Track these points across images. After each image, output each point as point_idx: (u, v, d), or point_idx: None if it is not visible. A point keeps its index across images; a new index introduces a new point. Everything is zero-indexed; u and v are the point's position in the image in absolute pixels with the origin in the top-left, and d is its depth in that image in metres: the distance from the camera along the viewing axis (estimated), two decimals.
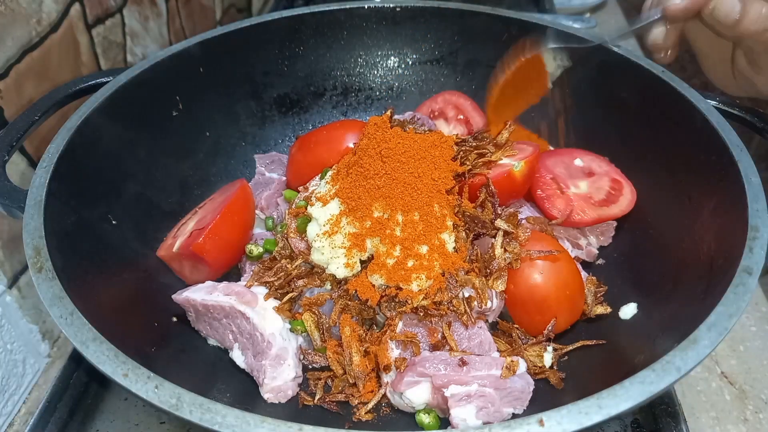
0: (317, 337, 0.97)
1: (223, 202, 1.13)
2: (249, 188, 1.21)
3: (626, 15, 2.49)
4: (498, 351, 0.97)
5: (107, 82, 1.12)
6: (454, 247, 0.97)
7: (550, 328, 0.98)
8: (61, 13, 1.24)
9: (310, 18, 1.40)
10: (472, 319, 0.93)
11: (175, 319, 1.04)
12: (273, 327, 0.95)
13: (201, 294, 0.98)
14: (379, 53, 1.49)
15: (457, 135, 1.14)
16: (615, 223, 1.16)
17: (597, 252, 1.17)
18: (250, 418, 0.62)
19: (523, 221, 1.04)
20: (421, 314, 0.93)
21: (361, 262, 0.97)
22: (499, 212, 1.01)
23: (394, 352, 0.93)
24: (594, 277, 1.08)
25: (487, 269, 0.98)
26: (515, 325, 1.02)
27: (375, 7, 1.42)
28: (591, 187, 1.17)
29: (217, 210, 1.10)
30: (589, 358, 0.98)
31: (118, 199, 1.07)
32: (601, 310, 1.03)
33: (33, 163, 1.16)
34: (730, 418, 1.09)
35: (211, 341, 1.04)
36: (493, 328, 1.03)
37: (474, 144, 1.12)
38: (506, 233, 1.00)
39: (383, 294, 0.94)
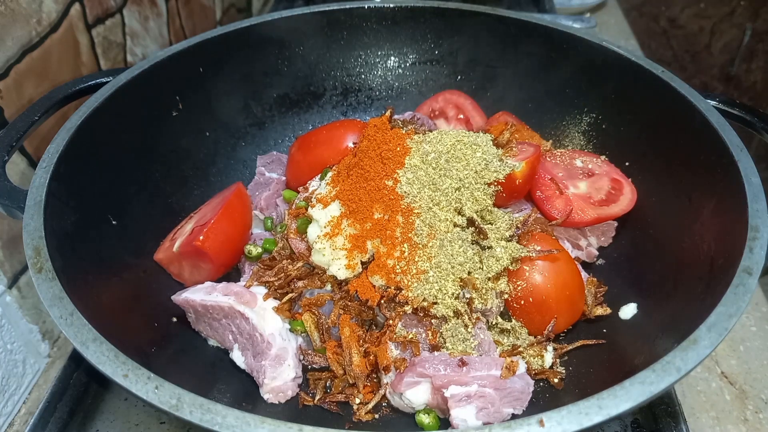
0: (317, 337, 0.97)
1: (221, 201, 1.13)
2: (245, 190, 1.22)
3: (626, 15, 2.49)
4: (497, 351, 0.97)
5: (107, 82, 1.12)
6: None
7: (550, 328, 0.98)
8: (61, 13, 1.24)
9: (310, 18, 1.40)
10: (472, 320, 0.93)
11: (175, 319, 1.04)
12: (272, 327, 0.95)
13: (200, 294, 0.98)
14: (379, 53, 1.49)
15: None
16: (616, 224, 1.17)
17: (597, 253, 1.17)
18: (250, 418, 0.62)
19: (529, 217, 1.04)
20: (421, 315, 0.93)
21: (362, 262, 0.97)
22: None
23: (393, 352, 0.93)
24: (594, 278, 1.08)
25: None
26: (515, 325, 1.02)
27: (375, 7, 1.42)
28: (590, 187, 1.17)
29: (217, 208, 1.10)
30: (589, 358, 0.98)
31: (118, 199, 1.07)
32: (601, 311, 1.04)
33: (33, 163, 1.16)
34: (730, 418, 1.09)
35: (211, 342, 1.04)
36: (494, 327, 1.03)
37: None
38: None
39: (383, 294, 0.94)
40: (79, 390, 1.04)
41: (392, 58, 1.50)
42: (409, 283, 0.92)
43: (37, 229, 0.84)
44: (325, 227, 0.99)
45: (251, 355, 0.96)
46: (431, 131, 1.13)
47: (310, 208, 1.04)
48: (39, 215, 0.85)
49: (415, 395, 0.89)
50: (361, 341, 0.94)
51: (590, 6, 2.37)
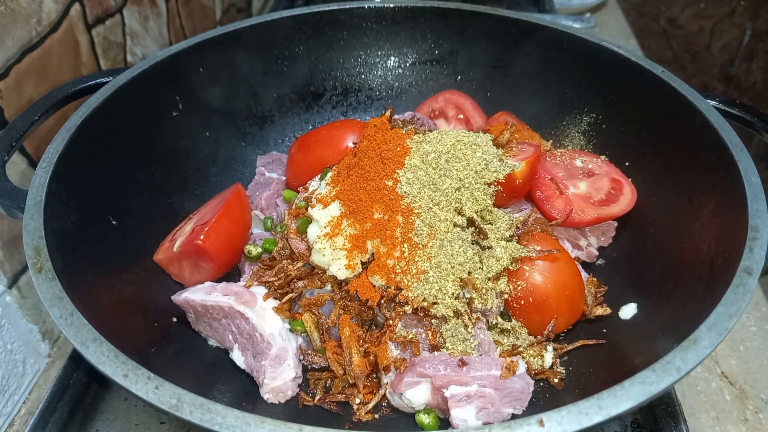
0: (317, 337, 0.97)
1: (221, 201, 1.13)
2: (244, 190, 1.22)
3: (626, 15, 2.49)
4: (497, 351, 0.97)
5: (107, 82, 1.12)
6: None
7: (550, 328, 0.98)
8: (61, 13, 1.24)
9: (310, 18, 1.40)
10: (472, 320, 0.93)
11: (175, 319, 1.04)
12: (272, 327, 0.95)
13: (200, 295, 0.98)
14: (379, 53, 1.49)
15: None
16: (616, 224, 1.17)
17: (597, 253, 1.17)
18: (250, 418, 0.62)
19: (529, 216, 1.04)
20: (421, 315, 0.93)
21: (362, 262, 0.97)
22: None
23: (393, 352, 0.93)
24: (594, 278, 1.08)
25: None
26: (515, 325, 1.02)
27: (375, 7, 1.42)
28: (590, 187, 1.17)
29: (217, 208, 1.10)
30: (589, 358, 0.98)
31: (118, 199, 1.07)
32: (601, 311, 1.04)
33: (33, 163, 1.16)
34: (730, 418, 1.09)
35: (211, 342, 1.04)
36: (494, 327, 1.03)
37: None
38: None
39: (383, 294, 0.94)
40: (79, 390, 1.04)
41: (392, 58, 1.50)
42: (409, 283, 0.92)
43: (37, 229, 0.84)
44: (325, 227, 0.99)
45: (251, 355, 0.96)
46: (431, 131, 1.13)
47: (310, 208, 1.04)
48: (39, 215, 0.85)
49: (415, 395, 0.89)
50: (361, 341, 0.94)
51: (590, 6, 2.37)
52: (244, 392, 0.95)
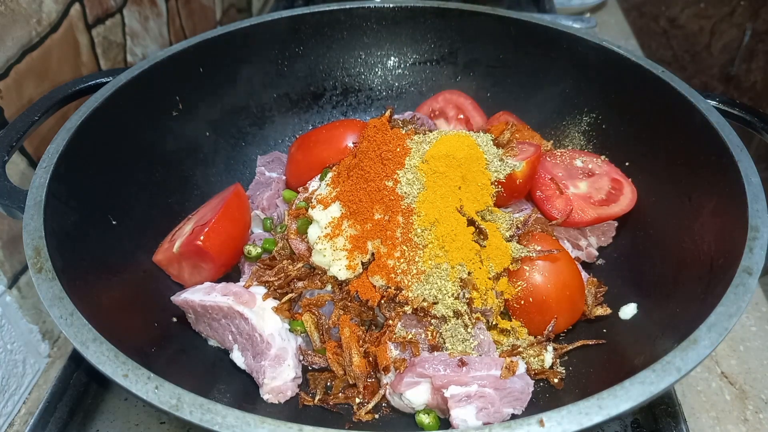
0: (317, 338, 0.97)
1: (221, 201, 1.13)
2: (243, 190, 1.22)
3: (626, 15, 2.49)
4: (497, 351, 0.97)
5: (107, 82, 1.12)
6: None
7: (550, 328, 0.98)
8: (61, 13, 1.24)
9: (310, 18, 1.40)
10: (473, 320, 0.93)
11: (175, 319, 1.04)
12: (272, 327, 0.95)
13: (199, 295, 0.98)
14: (379, 53, 1.49)
15: None
16: (616, 224, 1.17)
17: (597, 253, 1.17)
18: (250, 418, 0.62)
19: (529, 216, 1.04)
20: (421, 315, 0.93)
21: (362, 263, 0.97)
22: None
23: (393, 352, 0.93)
24: (594, 278, 1.08)
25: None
26: (515, 325, 1.02)
27: (375, 7, 1.42)
28: (591, 187, 1.17)
29: (217, 208, 1.10)
30: (589, 358, 0.98)
31: (118, 199, 1.07)
32: (601, 311, 1.03)
33: (33, 163, 1.16)
34: (730, 418, 1.09)
35: (211, 342, 1.04)
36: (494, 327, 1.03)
37: None
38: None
39: (383, 294, 0.94)
40: (79, 390, 1.04)
41: (392, 58, 1.50)
42: (409, 283, 0.92)
43: (37, 229, 0.84)
44: (325, 228, 0.99)
45: (251, 356, 0.96)
46: (431, 131, 1.13)
47: (310, 209, 1.04)
48: (39, 215, 0.85)
49: (415, 395, 0.89)
50: (361, 341, 0.94)
51: (590, 6, 2.37)
52: (244, 392, 0.95)
